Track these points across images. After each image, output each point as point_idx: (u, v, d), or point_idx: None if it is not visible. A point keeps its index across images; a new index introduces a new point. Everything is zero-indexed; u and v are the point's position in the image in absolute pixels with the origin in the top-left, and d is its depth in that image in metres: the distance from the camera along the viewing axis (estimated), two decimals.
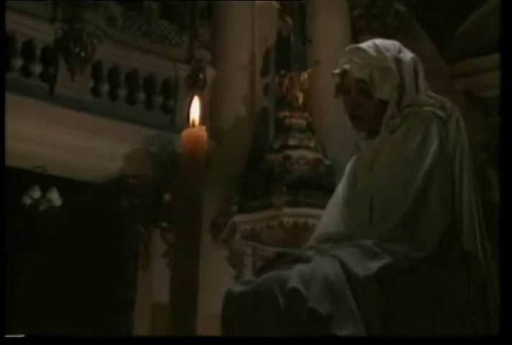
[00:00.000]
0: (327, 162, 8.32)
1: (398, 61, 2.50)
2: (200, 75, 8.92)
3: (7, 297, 8.30)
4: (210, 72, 9.12)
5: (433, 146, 2.35)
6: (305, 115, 8.59)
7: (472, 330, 2.23)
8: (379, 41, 2.57)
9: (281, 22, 9.48)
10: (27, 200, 8.56)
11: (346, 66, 2.52)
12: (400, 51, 2.54)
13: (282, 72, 8.73)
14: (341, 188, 2.66)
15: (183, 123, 9.24)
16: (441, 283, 2.23)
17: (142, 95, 8.94)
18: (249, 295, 2.18)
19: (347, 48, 2.59)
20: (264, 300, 2.13)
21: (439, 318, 2.18)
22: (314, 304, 2.02)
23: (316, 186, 8.06)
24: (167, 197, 8.59)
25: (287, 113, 8.56)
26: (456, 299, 2.23)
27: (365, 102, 2.50)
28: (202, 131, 1.32)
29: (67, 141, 8.37)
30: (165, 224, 8.64)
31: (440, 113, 2.45)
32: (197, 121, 1.33)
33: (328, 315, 2.01)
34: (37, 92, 8.31)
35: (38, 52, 8.53)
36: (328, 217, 2.62)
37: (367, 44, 2.54)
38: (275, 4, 9.53)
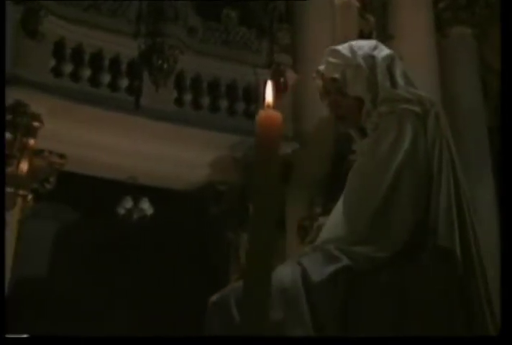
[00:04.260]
0: None
1: (372, 58, 2.49)
2: (281, 79, 8.94)
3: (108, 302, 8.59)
4: (291, 76, 9.13)
5: (405, 145, 2.32)
6: None
7: (450, 330, 2.14)
8: (355, 41, 2.59)
9: (362, 20, 9.36)
10: (121, 210, 8.87)
11: (321, 68, 2.53)
12: (375, 48, 2.52)
13: None
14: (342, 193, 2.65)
15: None
16: (413, 281, 2.16)
17: (224, 103, 9.06)
18: (215, 304, 2.20)
19: (325, 50, 2.60)
20: (222, 310, 2.14)
21: (409, 317, 2.11)
22: None
23: None
24: None
25: None
26: (430, 297, 2.15)
27: (343, 101, 2.51)
28: (277, 114, 1.36)
29: (155, 151, 8.62)
30: None
31: (417, 109, 2.39)
32: (271, 104, 1.38)
33: (279, 322, 2.00)
34: (124, 105, 8.61)
35: (124, 66, 8.83)
36: (330, 222, 2.60)
37: (342, 46, 2.56)
38: (355, 3, 9.42)
